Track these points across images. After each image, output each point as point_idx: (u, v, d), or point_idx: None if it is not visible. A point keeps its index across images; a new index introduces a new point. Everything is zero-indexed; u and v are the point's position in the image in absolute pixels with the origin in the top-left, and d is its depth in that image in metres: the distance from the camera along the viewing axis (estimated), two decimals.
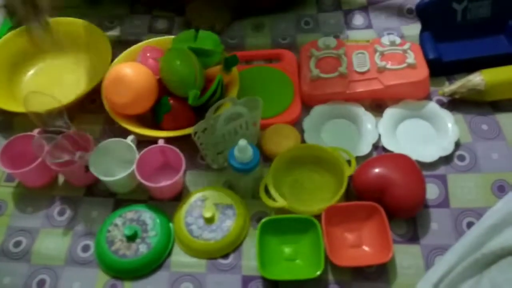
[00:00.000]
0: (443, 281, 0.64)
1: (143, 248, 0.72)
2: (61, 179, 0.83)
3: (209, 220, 0.74)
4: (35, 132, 0.80)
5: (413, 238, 0.73)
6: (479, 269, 0.63)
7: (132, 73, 0.80)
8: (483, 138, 0.82)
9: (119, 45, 0.99)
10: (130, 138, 0.80)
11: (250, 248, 0.74)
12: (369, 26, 1.02)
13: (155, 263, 0.72)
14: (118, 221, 0.75)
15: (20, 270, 0.73)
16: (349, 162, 0.78)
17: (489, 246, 0.63)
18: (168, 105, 0.82)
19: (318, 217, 0.72)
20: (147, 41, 0.95)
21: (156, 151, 0.79)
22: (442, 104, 0.87)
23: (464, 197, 0.76)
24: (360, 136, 0.85)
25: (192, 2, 1.03)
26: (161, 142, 0.79)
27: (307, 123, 0.86)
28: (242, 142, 0.70)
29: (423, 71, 0.86)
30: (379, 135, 0.84)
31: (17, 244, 0.76)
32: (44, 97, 0.79)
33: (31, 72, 0.99)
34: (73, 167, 0.76)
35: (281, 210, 0.76)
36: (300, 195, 0.78)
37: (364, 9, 1.04)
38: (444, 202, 0.76)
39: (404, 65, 0.87)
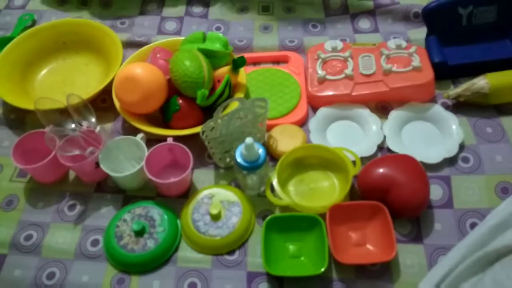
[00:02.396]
0: (446, 279, 0.65)
1: (150, 243, 0.73)
2: (71, 175, 0.85)
3: (216, 217, 0.75)
4: (47, 129, 0.82)
5: (416, 237, 0.74)
6: (482, 267, 0.63)
7: (142, 73, 0.82)
8: (487, 141, 0.83)
9: (129, 46, 1.02)
10: (139, 136, 0.82)
11: (255, 245, 0.75)
12: (375, 30, 1.04)
13: (162, 258, 0.74)
14: (127, 216, 0.76)
15: (31, 263, 0.75)
16: (354, 162, 0.79)
17: (492, 245, 0.64)
18: (177, 105, 0.84)
19: (323, 215, 0.73)
20: (157, 42, 0.97)
21: (165, 149, 0.80)
22: (447, 107, 0.89)
23: (468, 198, 0.77)
24: (366, 137, 0.86)
25: None
26: (169, 140, 0.80)
27: (313, 124, 0.88)
28: (249, 140, 0.71)
29: (428, 74, 0.87)
30: (384, 137, 0.85)
31: (28, 237, 0.77)
32: (54, 101, 0.81)
33: (44, 71, 1.01)
34: (84, 162, 0.77)
35: (286, 208, 0.77)
36: (305, 193, 0.80)
37: (371, 13, 1.06)
38: (448, 203, 0.77)
39: (410, 68, 0.88)
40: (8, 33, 1.08)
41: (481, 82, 0.85)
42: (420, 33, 0.99)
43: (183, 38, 0.93)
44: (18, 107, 0.89)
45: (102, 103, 0.94)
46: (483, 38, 0.94)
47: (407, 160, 0.77)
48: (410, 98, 0.89)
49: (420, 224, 0.75)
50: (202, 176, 0.83)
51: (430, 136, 0.85)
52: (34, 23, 1.11)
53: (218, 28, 1.07)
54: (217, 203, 0.77)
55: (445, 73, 0.91)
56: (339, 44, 0.95)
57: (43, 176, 0.83)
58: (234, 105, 0.82)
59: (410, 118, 0.87)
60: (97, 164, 0.78)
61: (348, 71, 0.90)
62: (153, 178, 0.75)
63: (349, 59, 0.92)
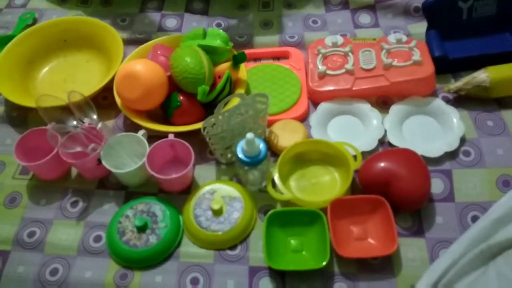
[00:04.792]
0: (449, 272, 0.65)
1: (153, 239, 0.74)
2: (74, 172, 0.86)
3: (217, 212, 0.76)
4: (49, 126, 0.82)
5: (418, 231, 0.74)
6: (484, 260, 0.63)
7: (143, 70, 0.82)
8: (488, 134, 0.83)
9: (130, 43, 1.02)
10: (141, 132, 0.82)
11: (257, 239, 0.75)
12: (376, 24, 1.04)
13: (164, 253, 0.74)
14: (129, 212, 0.77)
15: (34, 260, 0.75)
16: (355, 157, 0.79)
17: (495, 238, 0.64)
18: (178, 101, 0.84)
19: (324, 210, 0.73)
20: (157, 39, 0.97)
21: (166, 145, 0.81)
22: (447, 101, 0.89)
23: (469, 191, 0.77)
24: (366, 132, 0.86)
25: None
26: (171, 136, 0.80)
27: (314, 119, 0.88)
28: (250, 135, 0.71)
29: (429, 68, 0.87)
30: (385, 131, 0.85)
31: (31, 234, 0.78)
32: (55, 98, 0.81)
33: (45, 69, 1.02)
34: (86, 159, 0.78)
35: (287, 203, 0.77)
36: (307, 188, 0.80)
37: (371, 8, 1.05)
38: (449, 196, 0.77)
39: (410, 62, 0.88)
40: (9, 32, 1.08)
41: (482, 76, 0.85)
42: (420, 27, 0.99)
43: (183, 34, 0.93)
44: (20, 105, 0.90)
45: (103, 100, 0.94)
46: (483, 31, 0.94)
47: (408, 154, 0.77)
48: (411, 93, 0.89)
49: (422, 217, 0.75)
50: (204, 172, 0.84)
51: (431, 130, 0.85)
52: (35, 21, 1.11)
53: (218, 25, 1.07)
54: (219, 198, 0.78)
55: (446, 67, 0.91)
56: (340, 39, 0.95)
57: (46, 173, 0.83)
58: (235, 101, 0.83)
59: (411, 112, 0.87)
60: (99, 161, 0.78)
61: (349, 66, 0.90)
62: (155, 174, 0.75)
63: (350, 54, 0.92)
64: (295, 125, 0.85)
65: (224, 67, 0.87)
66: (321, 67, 0.91)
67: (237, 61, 0.86)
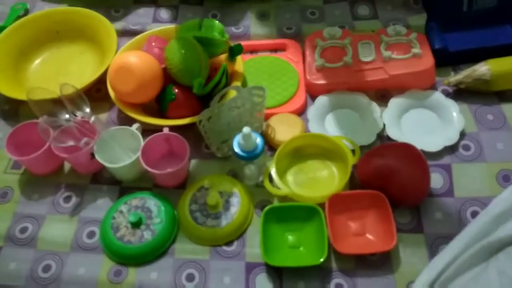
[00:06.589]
0: (449, 269, 0.64)
1: (147, 235, 0.72)
2: (67, 166, 0.84)
3: (213, 208, 0.74)
4: (41, 119, 0.80)
5: (417, 227, 0.73)
6: (485, 256, 0.62)
7: (137, 62, 0.81)
8: (488, 128, 0.82)
9: (124, 35, 1.00)
10: (135, 126, 0.81)
11: (254, 235, 0.74)
12: (375, 16, 1.02)
13: (159, 249, 0.73)
14: (123, 208, 0.75)
15: (26, 256, 0.74)
16: (353, 151, 0.78)
17: (495, 234, 0.63)
18: (173, 94, 0.83)
19: (322, 205, 0.72)
20: (152, 30, 0.95)
21: (161, 139, 0.79)
22: (447, 94, 0.87)
23: (469, 186, 0.76)
24: (365, 125, 0.85)
25: None
26: (166, 130, 0.79)
27: (311, 112, 0.86)
28: (246, 130, 0.70)
29: (428, 61, 0.86)
30: (384, 125, 0.84)
31: (23, 230, 0.76)
32: (47, 91, 0.79)
33: (37, 61, 1.00)
34: (79, 153, 0.76)
35: (285, 198, 0.76)
36: (304, 183, 0.79)
37: None
38: (448, 192, 0.76)
39: (410, 54, 0.87)
40: (1, 23, 1.06)
41: (482, 69, 0.84)
42: (420, 19, 0.97)
43: (178, 26, 0.91)
44: (12, 98, 0.88)
45: (96, 93, 0.93)
46: (484, 23, 0.92)
47: (407, 149, 0.76)
48: (410, 85, 0.87)
49: (421, 213, 0.74)
50: (200, 166, 0.82)
51: (430, 123, 0.84)
52: (26, 12, 1.09)
53: (214, 16, 1.05)
54: (215, 193, 0.76)
55: (446, 59, 0.90)
56: (338, 31, 0.93)
57: (38, 167, 0.82)
58: (231, 93, 0.81)
59: (410, 105, 0.86)
60: (92, 155, 0.77)
61: (347, 58, 0.88)
62: (149, 169, 0.74)
63: (348, 46, 0.91)
64: (293, 119, 0.84)
65: (220, 59, 0.85)
66: (319, 60, 0.89)
67: (233, 53, 0.84)
